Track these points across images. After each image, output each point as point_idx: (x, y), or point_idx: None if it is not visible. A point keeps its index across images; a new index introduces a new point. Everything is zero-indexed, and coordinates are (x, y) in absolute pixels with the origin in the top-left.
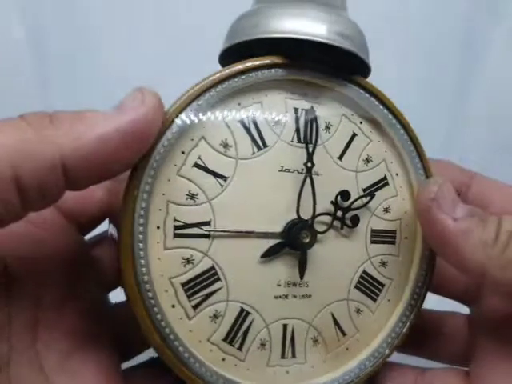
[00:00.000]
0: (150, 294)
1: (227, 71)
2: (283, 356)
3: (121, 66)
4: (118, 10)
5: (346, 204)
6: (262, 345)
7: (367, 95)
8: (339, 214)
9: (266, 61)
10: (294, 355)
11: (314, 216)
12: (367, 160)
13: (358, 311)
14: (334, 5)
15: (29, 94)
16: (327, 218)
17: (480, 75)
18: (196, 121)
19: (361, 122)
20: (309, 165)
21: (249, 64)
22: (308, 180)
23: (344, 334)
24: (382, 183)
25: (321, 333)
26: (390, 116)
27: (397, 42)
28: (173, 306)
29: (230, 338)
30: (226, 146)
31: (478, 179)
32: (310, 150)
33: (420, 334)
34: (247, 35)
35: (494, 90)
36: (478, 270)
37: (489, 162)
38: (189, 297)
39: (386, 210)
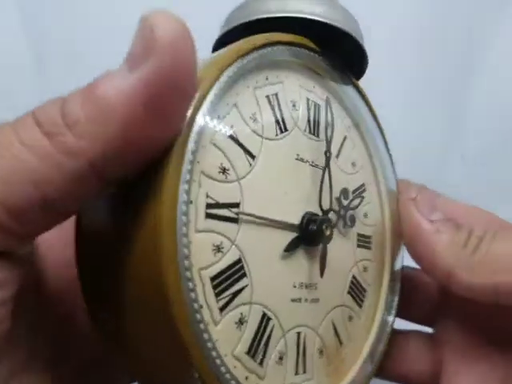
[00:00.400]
0: (191, 285)
1: (266, 37)
2: (296, 372)
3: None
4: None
5: (346, 202)
6: (280, 359)
7: (360, 100)
8: (342, 212)
9: (300, 40)
10: (304, 370)
11: (330, 209)
12: (353, 164)
13: (350, 318)
14: None
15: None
16: (332, 215)
17: (480, 75)
18: (232, 87)
19: (349, 127)
20: (328, 153)
21: (278, 36)
22: (326, 171)
23: (341, 343)
24: (362, 188)
25: (325, 343)
26: (374, 124)
27: (396, 41)
28: (201, 307)
29: (252, 351)
30: (255, 120)
31: (442, 200)
32: (329, 138)
33: (384, 356)
34: (247, 17)
35: (494, 89)
36: (446, 270)
37: (488, 160)
38: (216, 295)
39: (365, 215)
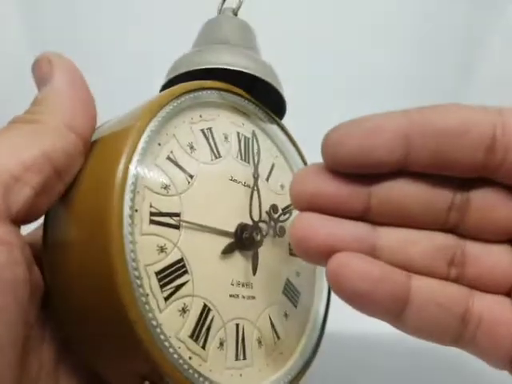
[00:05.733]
0: (139, 282)
1: (195, 84)
2: (237, 358)
3: (121, 65)
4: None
5: (276, 216)
6: (221, 344)
7: (283, 135)
8: (272, 223)
9: (228, 87)
10: (244, 357)
11: (260, 220)
12: (282, 186)
13: (286, 315)
14: (254, 48)
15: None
16: (263, 226)
17: (480, 74)
18: (170, 121)
19: (276, 156)
20: (255, 175)
21: (209, 83)
22: (255, 190)
23: (278, 337)
24: (289, 208)
25: (263, 335)
26: (297, 157)
27: (396, 40)
28: (147, 295)
29: (195, 335)
30: (191, 147)
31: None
32: (256, 163)
33: None
34: (193, 66)
35: (494, 89)
36: None
37: None
38: (161, 287)
39: None
